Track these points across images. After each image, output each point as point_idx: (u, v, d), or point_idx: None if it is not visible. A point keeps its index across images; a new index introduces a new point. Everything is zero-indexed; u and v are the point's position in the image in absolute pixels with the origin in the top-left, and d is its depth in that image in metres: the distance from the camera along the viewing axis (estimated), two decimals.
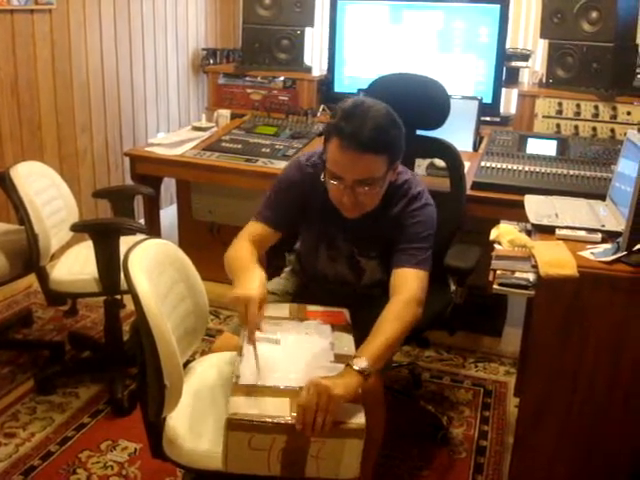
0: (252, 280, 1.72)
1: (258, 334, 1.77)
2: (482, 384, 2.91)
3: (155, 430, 1.71)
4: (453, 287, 2.40)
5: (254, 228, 2.01)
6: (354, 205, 1.86)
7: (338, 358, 1.71)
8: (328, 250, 2.10)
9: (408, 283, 1.88)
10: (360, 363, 1.61)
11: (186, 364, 1.95)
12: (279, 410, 1.48)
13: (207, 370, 1.91)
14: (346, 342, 1.80)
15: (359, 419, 1.51)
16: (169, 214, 4.23)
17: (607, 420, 2.03)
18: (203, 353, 2.29)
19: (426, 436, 2.54)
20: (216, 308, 3.47)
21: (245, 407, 1.48)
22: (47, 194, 2.69)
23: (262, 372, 1.63)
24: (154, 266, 1.72)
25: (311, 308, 1.96)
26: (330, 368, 1.65)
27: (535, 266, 1.96)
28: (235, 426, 1.45)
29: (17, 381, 2.79)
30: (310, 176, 1.99)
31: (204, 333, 2.01)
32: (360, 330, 1.97)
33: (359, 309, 2.08)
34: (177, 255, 1.88)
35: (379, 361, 1.69)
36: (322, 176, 1.90)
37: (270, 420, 1.46)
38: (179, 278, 1.86)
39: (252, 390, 1.55)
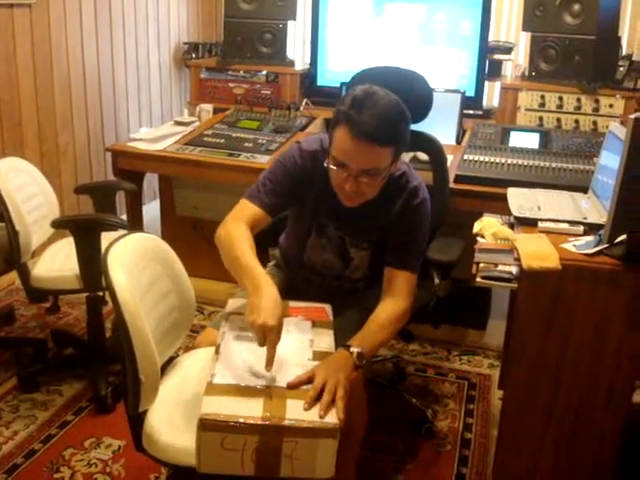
0: (267, 299, 1.65)
1: (234, 332, 1.77)
2: (466, 377, 2.92)
3: (136, 424, 1.70)
4: (437, 280, 2.40)
5: (248, 210, 1.95)
6: (355, 194, 1.85)
7: (316, 355, 1.70)
8: (318, 237, 2.09)
9: (404, 288, 1.94)
10: (357, 350, 1.69)
11: (173, 358, 1.95)
12: (252, 410, 1.47)
13: (193, 364, 1.90)
14: (326, 339, 1.79)
15: (332, 418, 1.49)
16: (152, 209, 4.20)
17: (591, 411, 2.04)
18: (187, 349, 2.28)
19: (410, 429, 2.54)
20: (200, 304, 3.45)
21: (218, 407, 1.46)
22: (28, 190, 2.66)
23: (238, 371, 1.61)
24: (136, 260, 1.71)
25: (293, 304, 1.94)
26: (306, 366, 1.64)
27: (518, 259, 1.96)
28: (207, 426, 1.44)
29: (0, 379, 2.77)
30: (310, 162, 1.98)
31: (189, 328, 2.00)
32: (343, 324, 1.98)
33: (343, 303, 2.08)
34: (162, 249, 1.87)
35: (370, 357, 1.74)
36: (325, 162, 1.88)
37: (242, 421, 1.44)
38: (164, 272, 1.85)
39: (226, 389, 1.53)
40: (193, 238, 3.67)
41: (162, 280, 1.83)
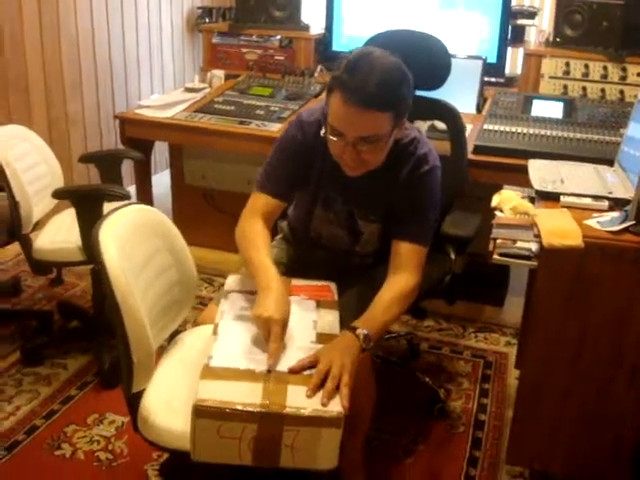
0: (273, 295, 1.62)
1: (234, 311, 1.69)
2: (482, 355, 2.83)
3: (133, 404, 1.63)
4: (452, 256, 2.30)
5: (260, 202, 1.89)
6: (356, 163, 1.74)
7: (320, 338, 1.61)
8: (325, 211, 1.99)
9: (412, 262, 1.82)
10: (364, 332, 1.60)
11: (175, 334, 1.88)
12: (250, 396, 1.38)
13: (194, 343, 1.82)
14: (330, 321, 1.70)
15: (336, 406, 1.40)
16: (164, 180, 4.12)
17: (611, 394, 1.95)
18: (195, 324, 2.19)
19: (423, 409, 2.46)
20: (210, 275, 3.39)
21: (214, 392, 1.38)
22: (29, 159, 2.58)
23: (237, 353, 1.53)
24: (131, 234, 1.62)
25: (296, 282, 1.84)
26: (309, 349, 1.55)
27: (538, 235, 1.85)
28: (203, 413, 1.35)
29: (3, 352, 2.71)
30: (313, 134, 1.87)
31: (192, 303, 1.93)
32: (350, 302, 1.89)
33: (350, 280, 1.99)
34: (162, 222, 1.79)
35: (378, 338, 1.65)
36: (322, 132, 1.78)
37: (240, 408, 1.35)
38: (163, 247, 1.76)
39: (223, 373, 1.45)
40: (204, 208, 3.59)
41: (161, 254, 1.74)
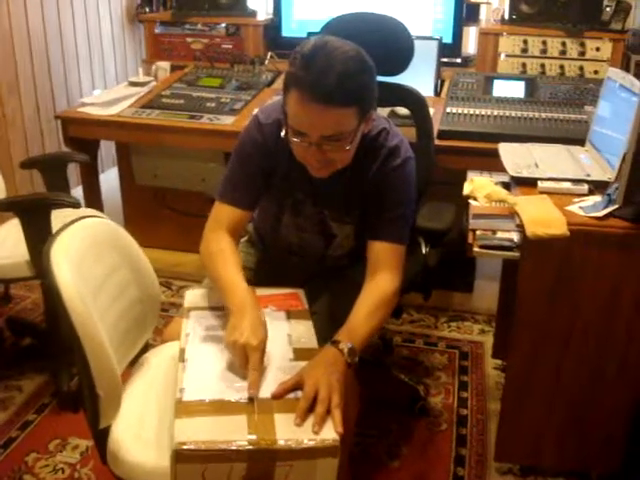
0: (248, 317, 1.47)
1: (200, 332, 1.55)
2: (457, 345, 2.75)
3: (99, 437, 1.49)
4: (424, 249, 2.20)
5: (223, 213, 1.74)
6: (322, 164, 1.59)
7: (298, 354, 1.48)
8: (294, 217, 1.85)
9: (391, 263, 1.69)
10: (348, 346, 1.48)
11: (140, 354, 1.74)
12: (235, 432, 1.24)
13: (162, 363, 1.67)
14: (305, 332, 1.57)
15: (330, 433, 1.27)
16: (111, 178, 3.93)
17: (601, 383, 1.90)
18: (157, 332, 2.05)
19: (403, 409, 2.37)
20: (167, 279, 3.25)
21: (194, 432, 1.24)
22: None
23: (210, 382, 1.39)
24: (87, 252, 1.47)
25: (261, 292, 1.69)
26: (289, 368, 1.42)
27: (520, 225, 1.76)
28: (184, 458, 1.21)
29: None
30: (272, 136, 1.71)
31: (156, 321, 1.78)
32: (326, 307, 1.78)
33: (325, 284, 1.87)
34: (118, 236, 1.63)
35: (362, 349, 1.53)
36: (282, 133, 1.63)
37: (225, 447, 1.22)
38: (121, 262, 1.61)
39: (200, 408, 1.31)
40: (156, 208, 3.42)
41: (119, 271, 1.59)
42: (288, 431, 1.26)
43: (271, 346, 1.48)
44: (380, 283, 1.66)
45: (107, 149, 4.10)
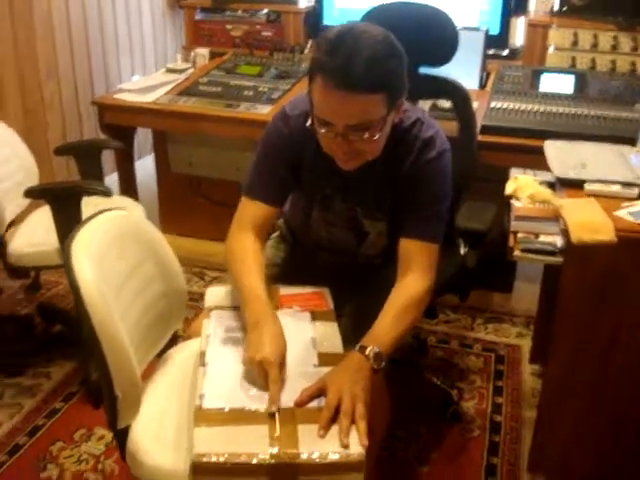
0: (267, 332, 1.40)
1: (220, 334, 1.50)
2: (493, 348, 2.66)
3: (120, 437, 1.45)
4: (462, 250, 2.12)
5: (249, 210, 1.68)
6: (350, 155, 1.52)
7: (322, 359, 1.42)
8: (323, 212, 1.78)
9: (423, 262, 1.60)
10: (374, 351, 1.40)
11: (164, 351, 1.70)
12: (256, 443, 1.19)
13: (187, 361, 1.63)
14: (330, 335, 1.50)
15: (356, 447, 1.21)
16: (148, 165, 3.91)
17: None
18: (187, 323, 2.01)
19: (434, 413, 2.30)
20: (201, 268, 3.20)
21: (213, 442, 1.19)
22: (0, 154, 2.37)
23: (231, 388, 1.33)
24: (109, 247, 1.43)
25: (285, 291, 1.64)
26: (313, 374, 1.35)
27: (564, 229, 1.67)
28: (203, 470, 1.16)
29: None
30: (299, 127, 1.64)
31: (183, 316, 1.74)
32: (356, 309, 1.72)
33: (357, 283, 1.80)
34: (141, 229, 1.59)
35: (390, 355, 1.45)
36: (309, 122, 1.56)
37: (246, 460, 1.16)
38: (145, 257, 1.57)
39: (220, 416, 1.25)
40: (191, 197, 3.38)
41: (143, 266, 1.55)
42: (311, 443, 1.20)
43: (294, 351, 1.42)
44: (410, 284, 1.58)
45: (144, 136, 4.07)
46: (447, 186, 1.66)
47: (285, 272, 1.88)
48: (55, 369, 2.49)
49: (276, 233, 2.02)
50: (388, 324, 1.50)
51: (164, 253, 1.61)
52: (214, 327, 1.52)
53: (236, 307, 1.58)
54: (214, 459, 1.16)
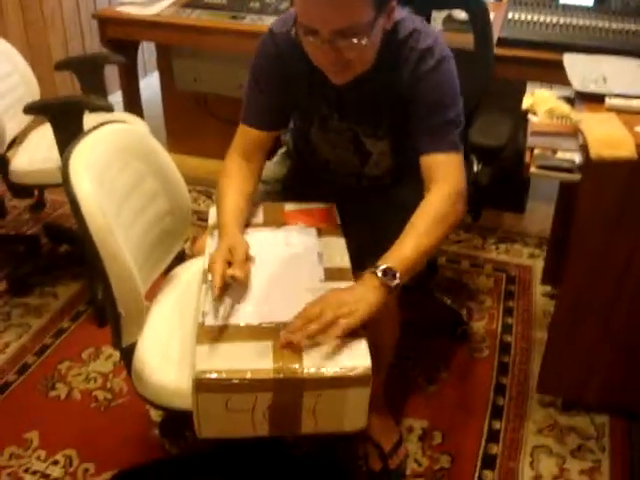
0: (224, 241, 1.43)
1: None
2: (504, 269, 2.62)
3: (126, 355, 1.44)
4: (475, 167, 2.05)
5: (245, 136, 1.63)
6: (338, 66, 1.41)
7: (329, 274, 1.39)
8: (323, 133, 1.69)
9: (447, 173, 1.49)
10: (388, 273, 1.30)
11: (170, 269, 1.67)
12: (259, 359, 1.17)
13: (192, 279, 1.61)
14: (337, 250, 1.47)
15: (363, 360, 1.19)
16: (153, 83, 3.81)
17: None
18: (194, 241, 1.98)
19: (443, 332, 2.28)
20: (208, 187, 3.15)
21: (215, 360, 1.17)
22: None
23: (235, 305, 1.30)
24: (110, 160, 1.38)
25: (291, 207, 1.60)
26: (319, 289, 1.31)
27: (583, 145, 1.61)
28: (205, 387, 1.14)
29: None
30: (287, 44, 1.54)
31: (187, 234, 1.70)
32: (364, 228, 1.64)
33: (364, 203, 1.74)
34: (144, 143, 1.54)
35: (410, 273, 1.35)
36: (292, 31, 1.45)
37: (250, 376, 1.14)
38: (148, 171, 1.52)
39: (222, 333, 1.23)
40: (197, 115, 3.30)
41: (147, 181, 1.50)
42: (316, 358, 1.17)
43: (300, 266, 1.40)
44: (434, 199, 1.46)
45: (149, 53, 3.95)
46: (454, 92, 1.54)
47: (289, 189, 1.81)
48: (62, 289, 2.48)
49: (282, 149, 1.96)
50: (407, 244, 1.39)
51: (168, 169, 1.56)
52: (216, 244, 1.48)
53: None
54: (215, 375, 1.14)
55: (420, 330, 2.27)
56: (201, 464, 1.81)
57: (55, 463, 1.80)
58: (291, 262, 1.44)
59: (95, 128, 1.39)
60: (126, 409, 1.98)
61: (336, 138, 1.68)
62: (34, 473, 1.77)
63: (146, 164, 1.50)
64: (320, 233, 1.53)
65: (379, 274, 1.31)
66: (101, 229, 1.23)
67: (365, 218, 1.68)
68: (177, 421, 1.86)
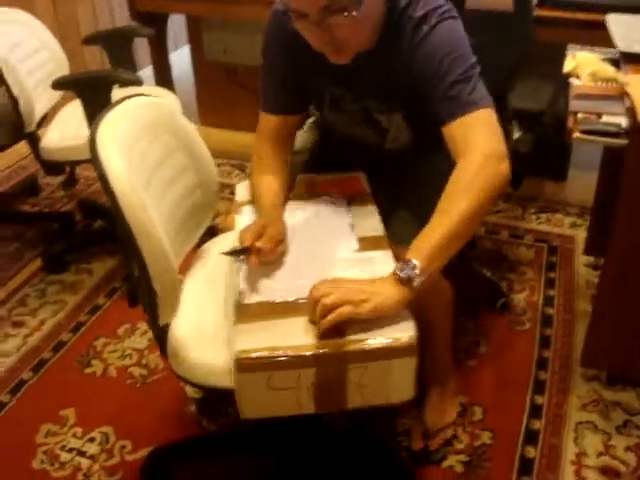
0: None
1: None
2: (545, 239, 2.55)
3: (160, 334, 1.40)
4: (515, 134, 1.97)
5: (266, 123, 1.60)
6: (334, 46, 1.35)
7: (364, 244, 1.35)
8: (336, 115, 1.62)
9: (469, 138, 1.32)
10: (405, 269, 1.19)
11: (200, 244, 1.64)
12: (299, 335, 1.14)
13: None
14: (369, 218, 1.44)
15: (407, 330, 1.15)
16: (184, 56, 3.77)
17: None
18: (226, 215, 1.94)
19: (483, 306, 2.22)
20: (240, 160, 3.11)
21: (255, 338, 1.14)
22: (27, 46, 2.29)
23: (270, 281, 1.28)
24: (138, 134, 1.34)
25: (318, 178, 1.58)
26: (355, 261, 1.29)
27: (630, 108, 1.52)
28: (246, 367, 1.11)
29: (25, 259, 2.52)
30: (291, 23, 1.43)
31: (215, 208, 1.66)
32: (391, 199, 1.58)
33: (388, 171, 1.68)
34: (172, 116, 1.49)
35: (439, 259, 1.24)
36: (283, 12, 1.41)
37: (291, 353, 1.11)
38: (177, 146, 1.48)
39: (261, 310, 1.20)
40: (228, 86, 3.26)
41: (175, 155, 1.46)
42: (358, 331, 1.14)
43: (333, 238, 1.38)
44: (463, 170, 1.29)
45: (180, 26, 3.91)
46: (462, 47, 1.38)
47: (317, 159, 1.76)
48: (97, 265, 2.48)
49: (311, 119, 1.90)
50: (434, 230, 1.25)
51: (195, 143, 1.52)
52: (246, 221, 1.45)
53: None
54: (256, 354, 1.11)
55: (459, 304, 2.20)
56: (238, 441, 1.79)
57: (91, 440, 1.80)
58: (323, 234, 1.41)
59: (122, 100, 1.35)
60: (162, 385, 1.97)
61: (349, 120, 1.61)
62: (70, 450, 1.77)
63: (176, 139, 1.46)
64: (351, 202, 1.50)
65: (399, 272, 1.20)
66: (132, 205, 1.18)
67: (392, 191, 1.63)
68: (216, 399, 1.85)
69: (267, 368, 1.11)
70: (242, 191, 1.62)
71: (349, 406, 1.18)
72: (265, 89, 1.59)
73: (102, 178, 1.20)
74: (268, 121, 1.59)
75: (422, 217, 1.28)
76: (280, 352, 1.11)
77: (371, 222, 1.43)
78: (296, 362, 1.11)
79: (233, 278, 1.31)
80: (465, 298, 2.22)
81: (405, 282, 1.19)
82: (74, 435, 1.81)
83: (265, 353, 1.11)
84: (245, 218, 1.49)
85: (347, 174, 1.61)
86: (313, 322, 1.16)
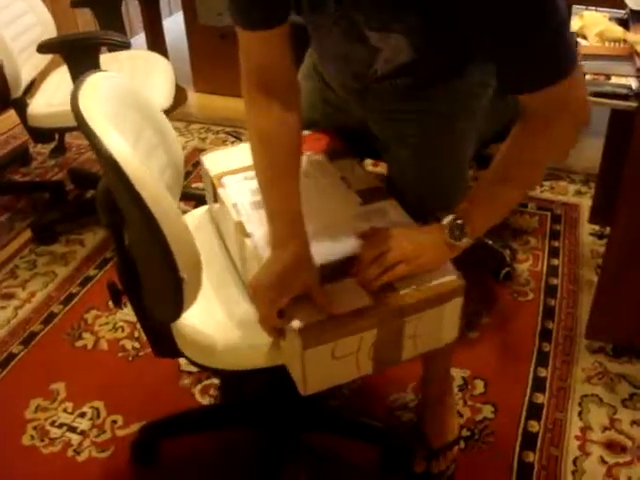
0: (284, 259, 1.12)
1: (247, 198, 1.31)
2: (549, 207, 2.48)
3: (159, 330, 1.33)
4: None
5: (250, 45, 1.22)
6: None
7: (365, 196, 1.32)
8: (315, 28, 1.29)
9: (559, 104, 1.11)
10: (455, 231, 1.17)
11: None
12: (354, 297, 1.10)
13: (204, 226, 1.50)
14: (356, 170, 1.40)
15: (452, 272, 1.16)
16: (178, 22, 3.67)
17: None
18: None
19: (485, 275, 2.16)
20: (236, 128, 3.04)
21: (309, 311, 1.08)
22: (13, 9, 2.20)
23: None
24: (115, 107, 1.24)
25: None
26: (365, 213, 1.27)
27: None
28: (311, 342, 1.05)
29: (15, 230, 2.46)
30: None
31: (181, 188, 1.51)
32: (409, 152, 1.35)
33: (395, 126, 1.36)
34: (138, 94, 1.37)
35: (489, 225, 1.21)
36: None
37: (353, 318, 1.07)
38: (146, 123, 1.36)
39: None
40: (222, 51, 3.16)
41: (146, 133, 1.35)
42: (407, 283, 1.13)
43: (332, 196, 1.33)
44: (541, 126, 1.14)
45: None
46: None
47: (319, 108, 1.49)
48: (88, 236, 2.42)
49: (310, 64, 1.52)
50: (497, 194, 1.19)
51: (162, 122, 1.41)
52: (236, 194, 1.34)
53: (247, 167, 1.37)
54: (319, 327, 1.06)
55: (460, 272, 2.15)
56: (230, 416, 1.75)
57: (82, 415, 1.75)
58: (320, 194, 1.34)
59: (87, 75, 1.19)
60: (154, 359, 1.85)
61: (338, 35, 1.22)
62: (60, 426, 1.72)
63: (141, 116, 1.34)
64: (332, 158, 1.44)
65: (447, 232, 1.17)
66: (149, 186, 1.01)
67: (405, 139, 1.35)
68: (237, 381, 1.81)
69: (332, 338, 1.06)
70: (212, 163, 1.45)
71: (403, 359, 1.16)
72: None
73: (108, 161, 1.01)
74: (259, 40, 1.20)
75: None
76: (342, 320, 1.07)
77: (360, 174, 1.39)
78: (361, 326, 1.07)
79: (248, 256, 1.23)
80: (466, 267, 2.17)
81: (452, 244, 1.18)
82: (64, 410, 1.77)
83: (328, 324, 1.06)
84: (232, 190, 1.35)
85: (317, 132, 1.48)
86: (356, 282, 1.13)
